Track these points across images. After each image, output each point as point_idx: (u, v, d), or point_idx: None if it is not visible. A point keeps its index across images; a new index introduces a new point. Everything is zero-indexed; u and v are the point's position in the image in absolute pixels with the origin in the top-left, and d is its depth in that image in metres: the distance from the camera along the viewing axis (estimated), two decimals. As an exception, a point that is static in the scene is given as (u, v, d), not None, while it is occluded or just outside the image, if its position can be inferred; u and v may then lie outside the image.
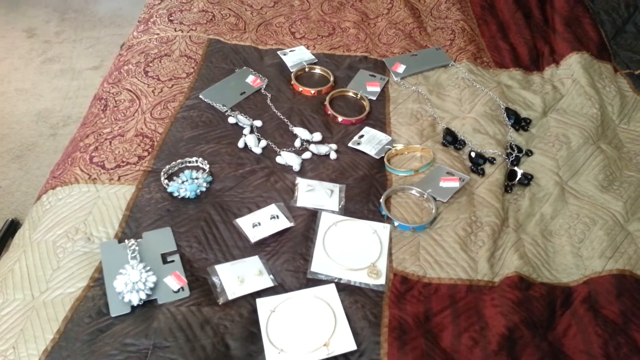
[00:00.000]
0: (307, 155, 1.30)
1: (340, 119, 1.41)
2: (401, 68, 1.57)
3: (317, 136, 1.35)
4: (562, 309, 1.04)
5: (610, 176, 1.29)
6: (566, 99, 1.50)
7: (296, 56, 1.61)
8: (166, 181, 1.19)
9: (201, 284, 1.03)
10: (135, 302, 0.97)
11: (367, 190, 1.23)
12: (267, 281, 1.04)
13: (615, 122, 1.48)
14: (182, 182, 1.18)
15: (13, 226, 1.82)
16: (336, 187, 1.23)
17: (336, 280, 1.06)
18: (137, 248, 1.05)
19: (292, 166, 1.27)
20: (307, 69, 1.58)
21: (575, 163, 1.32)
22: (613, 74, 1.61)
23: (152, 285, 0.99)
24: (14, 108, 2.39)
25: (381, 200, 1.20)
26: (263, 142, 1.32)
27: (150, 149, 1.28)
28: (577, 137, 1.37)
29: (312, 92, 1.49)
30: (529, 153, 1.36)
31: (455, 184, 1.24)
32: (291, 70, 1.56)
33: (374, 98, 1.49)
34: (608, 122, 1.46)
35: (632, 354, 0.95)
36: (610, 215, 1.20)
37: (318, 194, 1.20)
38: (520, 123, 1.42)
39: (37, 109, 2.40)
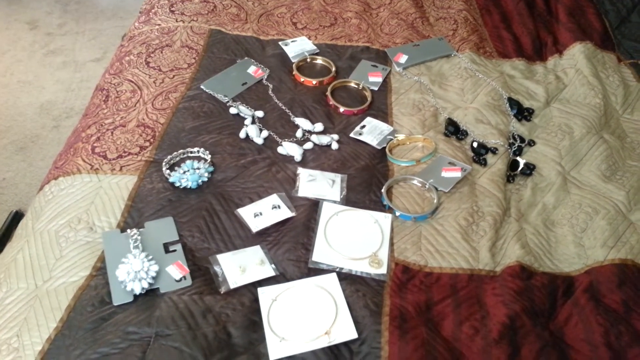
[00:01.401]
0: (308, 145, 1.30)
1: (342, 109, 1.41)
2: (403, 58, 1.57)
3: (319, 126, 1.35)
4: (563, 299, 1.04)
5: (613, 166, 1.29)
6: (569, 88, 1.50)
7: (298, 47, 1.60)
8: (168, 171, 1.19)
9: (203, 273, 1.03)
10: (137, 291, 0.97)
11: (368, 180, 1.23)
12: (268, 270, 1.04)
13: (619, 112, 1.47)
14: (184, 172, 1.19)
15: (17, 217, 1.83)
16: (338, 177, 1.23)
17: (337, 270, 1.06)
18: (139, 237, 1.06)
19: (293, 156, 1.27)
20: (308, 60, 1.57)
21: (578, 153, 1.32)
22: (617, 64, 1.60)
23: (154, 274, 1.00)
24: (17, 100, 2.40)
25: (383, 190, 1.20)
26: (264, 133, 1.32)
27: (151, 140, 1.28)
28: (579, 127, 1.37)
29: (314, 82, 1.49)
30: (531, 143, 1.35)
31: (457, 174, 1.24)
32: (293, 61, 1.56)
33: (376, 88, 1.49)
34: (611, 112, 1.45)
35: (633, 342, 0.95)
36: (612, 204, 1.20)
37: (319, 184, 1.20)
38: (522, 113, 1.42)
39: (40, 101, 2.40)
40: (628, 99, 1.49)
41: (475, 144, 1.32)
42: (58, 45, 2.74)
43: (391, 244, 1.11)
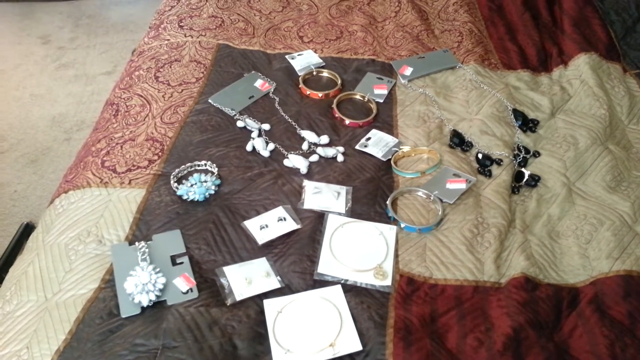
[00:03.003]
0: (314, 158, 1.31)
1: (347, 121, 1.43)
2: (408, 70, 1.58)
3: (325, 139, 1.36)
4: (568, 310, 1.04)
5: (618, 177, 1.29)
6: (574, 99, 1.50)
7: (304, 60, 1.62)
8: (176, 184, 1.21)
9: (209, 285, 1.05)
10: (145, 303, 0.99)
11: (373, 192, 1.24)
12: (274, 282, 1.05)
13: (624, 123, 1.47)
14: (191, 185, 1.20)
15: (28, 229, 1.86)
16: (343, 190, 1.24)
17: (343, 282, 1.07)
18: (147, 250, 1.07)
19: (299, 169, 1.28)
20: (314, 73, 1.59)
21: (583, 164, 1.32)
22: (622, 74, 1.60)
23: (161, 286, 1.01)
24: (29, 113, 2.44)
25: (388, 202, 1.21)
26: (271, 145, 1.34)
27: (160, 153, 1.30)
28: (584, 138, 1.37)
29: (320, 95, 1.51)
30: (536, 154, 1.36)
31: (461, 186, 1.25)
32: (299, 74, 1.58)
33: (381, 101, 1.50)
34: (617, 123, 1.45)
35: (638, 354, 0.95)
36: (617, 216, 1.20)
37: (325, 196, 1.22)
38: (527, 124, 1.42)
39: (52, 114, 2.44)
40: (633, 110, 1.50)
41: (480, 156, 1.33)
42: (70, 59, 2.79)
43: (396, 255, 1.12)
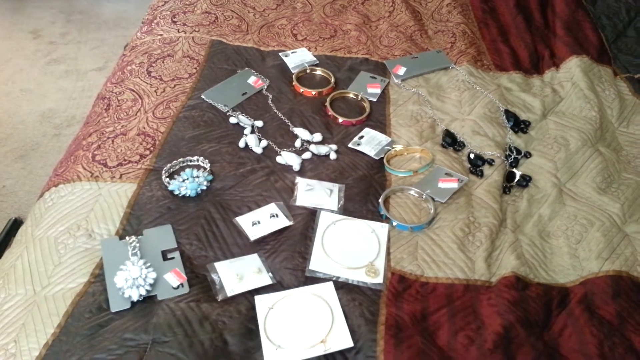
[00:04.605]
0: (307, 155, 1.31)
1: (340, 120, 1.43)
2: (402, 70, 1.59)
3: (318, 137, 1.36)
4: (558, 309, 1.05)
5: (608, 178, 1.30)
6: (565, 102, 1.51)
7: (298, 58, 1.62)
8: (167, 179, 1.21)
9: (200, 280, 1.04)
10: (135, 298, 0.98)
11: (366, 190, 1.24)
12: (265, 279, 1.05)
13: (615, 125, 1.48)
14: (183, 181, 1.20)
15: (16, 225, 1.84)
16: (335, 187, 1.24)
17: (334, 279, 1.06)
18: (137, 245, 1.07)
19: (292, 166, 1.28)
20: (308, 71, 1.59)
21: (574, 165, 1.33)
22: (613, 78, 1.62)
23: (152, 281, 1.00)
24: (18, 108, 2.42)
25: (380, 200, 1.21)
26: (264, 142, 1.33)
27: (152, 148, 1.29)
28: (575, 139, 1.38)
29: (313, 93, 1.50)
30: (527, 155, 1.36)
31: (453, 185, 1.25)
32: (292, 72, 1.57)
33: (375, 99, 1.50)
34: (607, 125, 1.47)
35: (627, 354, 0.96)
36: (607, 216, 1.21)
37: (317, 194, 1.22)
38: (519, 125, 1.43)
39: (42, 109, 2.42)
40: (624, 113, 1.51)
41: (472, 156, 1.33)
42: (60, 54, 2.77)
43: (388, 253, 1.12)
